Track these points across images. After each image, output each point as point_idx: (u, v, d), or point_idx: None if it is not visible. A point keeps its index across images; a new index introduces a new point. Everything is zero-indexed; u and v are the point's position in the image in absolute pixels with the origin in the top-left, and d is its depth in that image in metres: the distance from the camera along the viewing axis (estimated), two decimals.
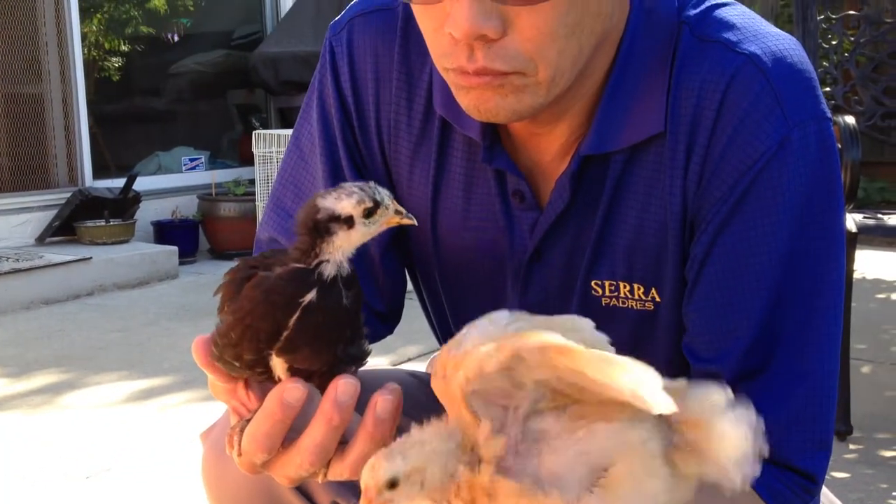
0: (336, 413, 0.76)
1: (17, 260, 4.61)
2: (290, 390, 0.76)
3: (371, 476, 0.70)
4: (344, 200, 0.75)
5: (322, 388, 0.77)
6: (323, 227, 0.75)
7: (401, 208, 0.78)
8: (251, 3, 7.02)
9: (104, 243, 5.05)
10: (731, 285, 0.93)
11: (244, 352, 0.77)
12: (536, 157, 1.02)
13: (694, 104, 0.93)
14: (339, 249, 0.76)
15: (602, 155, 0.97)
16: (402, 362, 3.27)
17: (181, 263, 5.17)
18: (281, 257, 0.77)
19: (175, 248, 5.14)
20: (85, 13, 5.96)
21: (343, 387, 0.76)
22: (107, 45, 6.44)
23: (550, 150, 1.01)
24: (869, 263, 4.68)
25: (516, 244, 1.04)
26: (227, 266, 3.89)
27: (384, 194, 0.76)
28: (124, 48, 6.57)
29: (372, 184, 0.76)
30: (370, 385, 0.81)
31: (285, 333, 0.75)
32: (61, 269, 4.62)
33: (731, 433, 0.68)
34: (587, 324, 0.74)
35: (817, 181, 0.92)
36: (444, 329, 1.20)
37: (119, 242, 5.11)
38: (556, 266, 1.03)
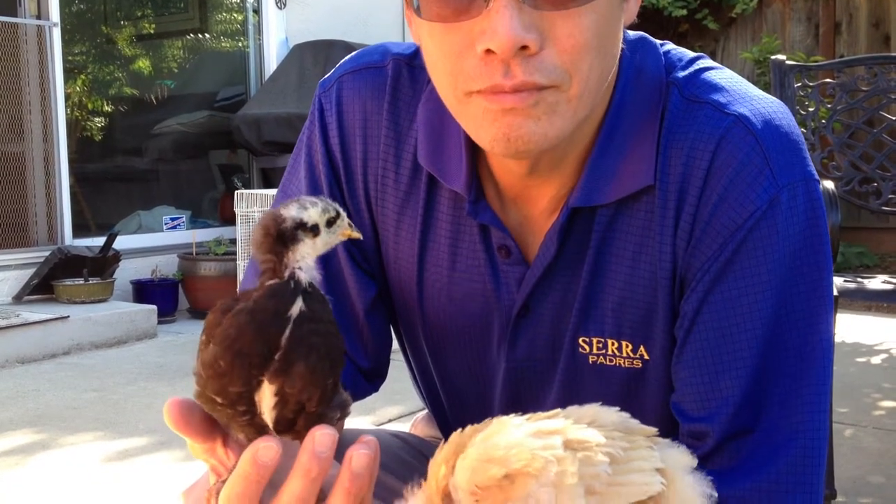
0: (314, 464, 0.74)
1: None
2: (264, 449, 0.74)
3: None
4: (310, 209, 0.77)
5: (300, 439, 0.76)
6: (290, 235, 0.76)
7: (351, 222, 0.80)
8: (235, 66, 7.08)
9: (82, 302, 5.00)
10: (721, 345, 0.93)
11: (232, 382, 0.74)
12: (525, 210, 1.02)
13: (683, 163, 0.94)
14: (305, 258, 0.76)
15: (590, 208, 0.97)
16: (383, 423, 3.23)
17: (160, 323, 5.12)
18: (253, 289, 0.76)
19: (154, 308, 5.09)
20: (69, 74, 5.99)
21: (320, 437, 0.74)
22: (90, 106, 6.46)
23: (540, 205, 1.01)
24: (849, 327, 4.70)
25: (503, 299, 1.03)
26: None
27: (339, 207, 0.79)
28: (107, 108, 6.60)
29: (322, 196, 0.80)
30: (347, 441, 0.80)
31: (279, 352, 0.73)
32: (38, 328, 4.56)
33: (692, 495, 0.68)
34: (611, 414, 0.71)
35: (806, 241, 0.93)
36: (428, 387, 1.19)
37: (97, 301, 5.06)
38: (545, 321, 1.03)
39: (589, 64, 0.87)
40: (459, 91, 0.89)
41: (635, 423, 0.72)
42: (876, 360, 4.27)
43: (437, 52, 0.90)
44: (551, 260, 0.99)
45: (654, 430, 0.74)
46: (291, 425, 0.76)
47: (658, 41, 1.04)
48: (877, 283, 3.12)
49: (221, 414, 0.77)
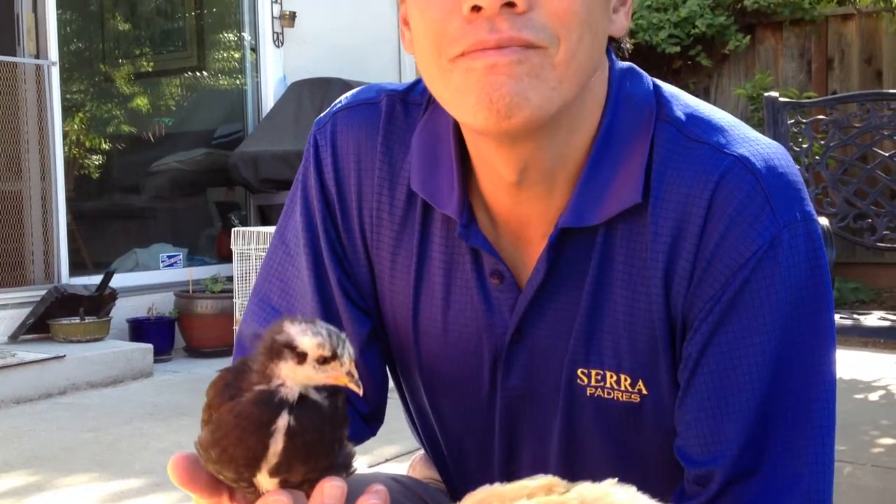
0: None
1: None
2: (273, 502, 0.74)
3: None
4: (308, 336, 0.73)
5: (309, 493, 0.76)
6: (277, 349, 0.74)
7: (354, 373, 0.75)
8: (233, 103, 7.12)
9: (78, 341, 4.98)
10: (725, 388, 0.93)
11: (224, 470, 0.76)
12: (518, 233, 1.02)
13: (682, 200, 0.94)
14: (289, 379, 0.74)
15: (583, 232, 0.97)
16: (379, 463, 3.22)
17: (156, 361, 5.10)
18: (251, 370, 0.76)
19: (150, 346, 5.08)
20: (67, 112, 6.02)
21: (329, 490, 0.74)
22: (88, 144, 6.49)
23: (532, 228, 1.01)
24: (846, 364, 4.69)
25: (497, 326, 1.03)
26: (202, 364, 3.84)
27: (346, 351, 0.74)
28: (105, 146, 6.62)
29: (344, 335, 0.75)
30: (353, 488, 0.80)
31: (275, 460, 0.73)
32: (34, 368, 4.55)
33: None
34: (622, 495, 0.70)
35: (808, 281, 0.93)
36: (425, 426, 1.18)
37: (93, 340, 5.04)
38: (539, 347, 1.03)
39: (578, 34, 0.88)
40: (443, 59, 0.90)
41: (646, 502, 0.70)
42: (874, 396, 4.26)
43: (422, 22, 0.91)
44: (542, 282, 0.99)
45: None
46: (298, 486, 0.76)
47: (649, 77, 1.05)
48: (873, 319, 3.12)
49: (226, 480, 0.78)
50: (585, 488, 0.68)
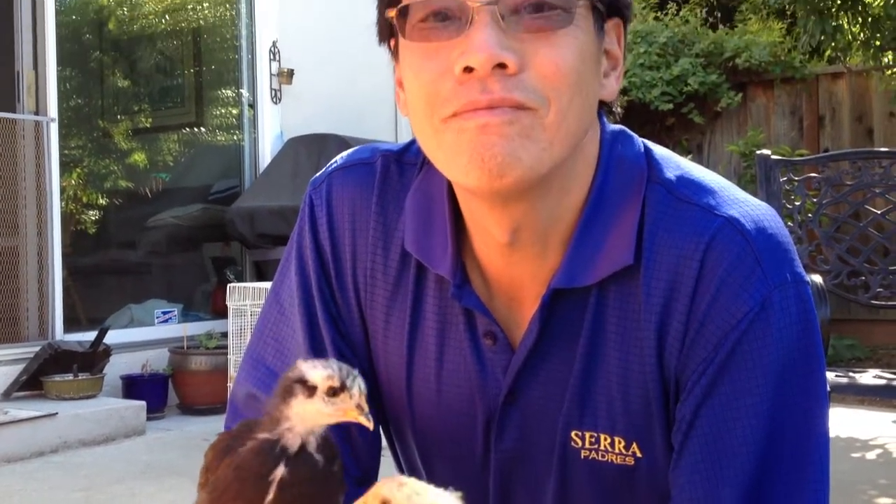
0: None
1: None
2: None
3: (378, 486, 0.71)
4: (318, 369, 0.75)
5: None
6: (289, 387, 0.75)
7: (365, 406, 0.76)
8: (230, 159, 7.16)
9: (71, 398, 4.95)
10: (718, 450, 0.93)
11: None
12: (512, 294, 1.03)
13: (673, 262, 0.95)
14: (298, 418, 0.74)
15: (575, 293, 0.98)
16: None
17: (149, 419, 5.06)
18: (255, 426, 0.77)
19: (143, 404, 5.04)
20: (65, 167, 6.04)
21: None
22: (85, 199, 6.51)
23: (525, 289, 1.02)
24: (842, 422, 4.66)
25: (490, 386, 1.03)
26: (195, 422, 3.81)
27: (357, 384, 0.75)
28: (102, 202, 6.64)
29: (356, 371, 0.76)
30: None
31: None
32: (26, 426, 4.51)
33: None
34: None
35: (799, 342, 0.93)
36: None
37: (86, 397, 5.01)
38: (533, 409, 1.02)
39: (569, 97, 0.89)
40: (436, 119, 0.91)
41: None
42: (871, 455, 4.23)
43: (416, 82, 0.93)
44: (534, 343, 1.00)
45: None
46: None
47: (639, 138, 1.06)
48: (868, 377, 3.11)
49: None
50: None
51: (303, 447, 0.75)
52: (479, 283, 1.03)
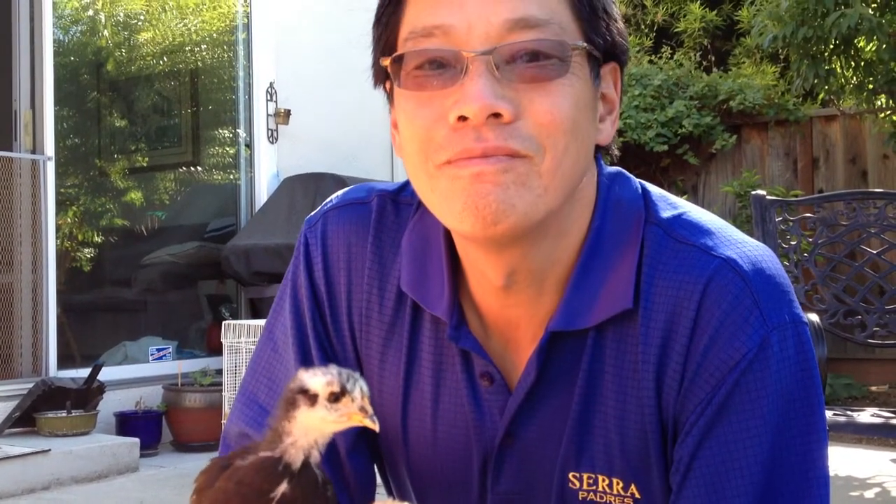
0: None
1: None
2: None
3: None
4: (318, 377, 0.74)
5: None
6: (291, 398, 0.74)
7: (368, 408, 0.75)
8: (227, 198, 7.17)
9: (64, 435, 4.91)
10: (717, 492, 0.92)
11: None
12: (508, 335, 1.02)
13: (671, 303, 0.95)
14: (302, 430, 0.74)
15: (573, 335, 0.98)
16: None
17: (143, 456, 5.01)
18: (253, 448, 0.76)
19: (136, 441, 5.00)
20: (61, 205, 6.05)
21: None
22: (81, 237, 6.51)
23: (522, 331, 1.01)
24: (841, 461, 4.64)
25: (487, 429, 1.03)
26: (189, 459, 3.77)
27: (358, 387, 0.74)
28: (98, 239, 6.64)
29: (357, 374, 0.75)
30: None
31: None
32: (18, 463, 4.47)
33: None
34: None
35: (797, 382, 0.93)
36: None
37: (80, 434, 4.96)
38: (530, 450, 1.02)
39: (564, 144, 0.89)
40: (430, 165, 0.91)
41: None
42: (869, 494, 4.20)
43: (410, 128, 0.93)
44: (532, 385, 0.99)
45: None
46: None
47: (637, 180, 1.07)
48: (866, 416, 3.11)
49: None
50: None
51: (306, 463, 0.74)
52: (476, 324, 1.03)
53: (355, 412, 0.74)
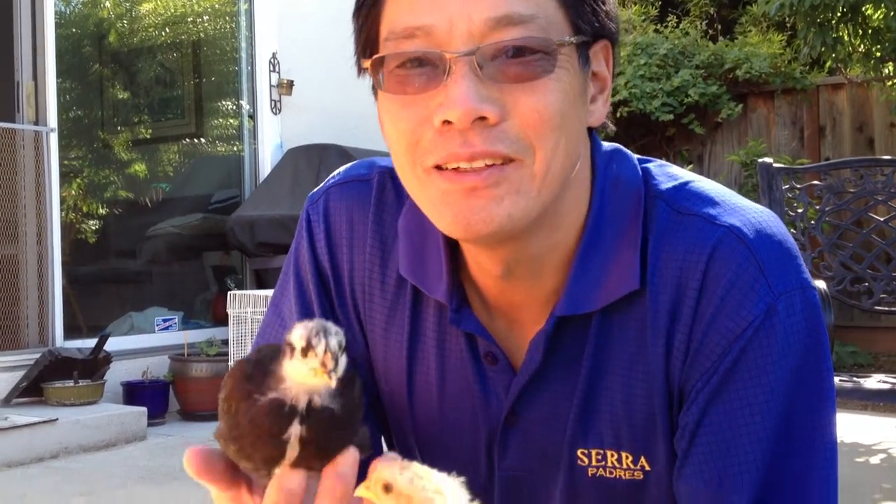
0: (339, 484, 0.76)
1: None
2: (289, 477, 0.76)
3: (379, 470, 0.73)
4: (296, 329, 0.75)
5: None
6: (283, 348, 0.76)
7: (329, 363, 0.73)
8: (231, 169, 7.17)
9: (72, 404, 4.93)
10: (724, 458, 0.91)
11: (242, 463, 0.78)
12: (512, 316, 1.01)
13: (677, 275, 0.94)
14: (291, 379, 0.75)
15: (579, 316, 0.97)
16: None
17: (150, 425, 5.04)
18: (276, 360, 0.76)
19: (144, 410, 5.03)
20: (65, 177, 6.05)
21: (343, 458, 0.76)
22: (85, 209, 6.51)
23: (525, 312, 1.00)
24: (846, 427, 4.66)
25: (492, 406, 1.02)
26: (196, 428, 3.78)
27: (323, 342, 0.73)
28: (102, 211, 6.64)
29: (334, 330, 0.75)
30: None
31: (291, 462, 0.75)
32: (26, 431, 4.49)
33: None
34: None
35: (805, 349, 0.92)
36: None
37: (87, 403, 4.99)
38: (535, 429, 1.01)
39: (553, 141, 0.87)
40: (418, 168, 0.89)
41: None
42: (875, 460, 4.22)
43: (396, 131, 0.90)
44: (537, 367, 0.98)
45: None
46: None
47: (635, 155, 1.04)
48: (873, 382, 3.11)
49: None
50: None
51: (310, 403, 0.75)
52: (479, 304, 1.02)
53: (317, 367, 0.74)
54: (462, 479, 0.75)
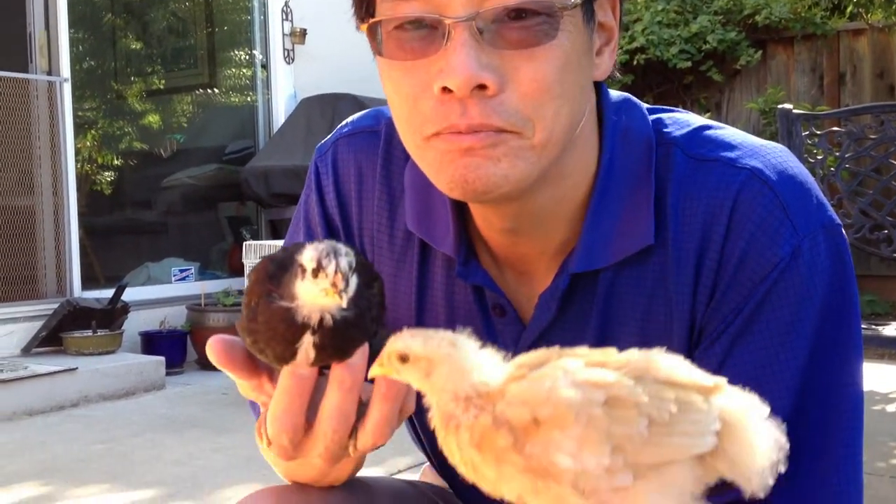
0: (347, 375, 0.78)
1: (2, 371, 4.54)
2: (302, 364, 0.78)
3: (391, 343, 0.72)
4: (306, 250, 0.74)
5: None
6: (295, 269, 0.75)
7: (339, 283, 0.73)
8: (244, 120, 7.15)
9: (91, 354, 4.99)
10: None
11: (262, 356, 0.80)
12: (521, 268, 1.00)
13: (701, 221, 0.93)
14: (302, 298, 0.75)
15: (591, 271, 0.96)
16: (393, 473, 3.20)
17: (168, 374, 5.10)
18: (296, 261, 0.76)
19: (162, 359, 5.08)
20: (79, 128, 6.05)
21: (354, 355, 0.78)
22: (100, 160, 6.52)
23: (534, 265, 0.99)
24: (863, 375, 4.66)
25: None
26: (214, 377, 3.84)
27: (333, 263, 0.73)
28: (117, 162, 6.65)
29: (344, 251, 0.74)
30: (373, 490, 0.78)
31: (309, 361, 0.77)
32: (46, 380, 4.55)
33: (763, 441, 0.70)
34: (670, 363, 0.72)
35: (832, 288, 0.91)
36: (432, 447, 1.17)
37: (106, 353, 5.05)
38: None
39: (554, 110, 0.86)
40: (418, 136, 0.88)
41: (697, 374, 0.72)
42: (891, 408, 4.23)
43: (397, 97, 0.89)
44: (549, 322, 0.98)
45: (718, 380, 0.72)
46: None
47: (644, 104, 1.02)
48: (890, 330, 3.10)
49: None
50: (633, 354, 0.71)
51: (322, 320, 0.75)
52: (487, 257, 1.01)
53: (328, 287, 0.73)
54: (468, 330, 0.75)
